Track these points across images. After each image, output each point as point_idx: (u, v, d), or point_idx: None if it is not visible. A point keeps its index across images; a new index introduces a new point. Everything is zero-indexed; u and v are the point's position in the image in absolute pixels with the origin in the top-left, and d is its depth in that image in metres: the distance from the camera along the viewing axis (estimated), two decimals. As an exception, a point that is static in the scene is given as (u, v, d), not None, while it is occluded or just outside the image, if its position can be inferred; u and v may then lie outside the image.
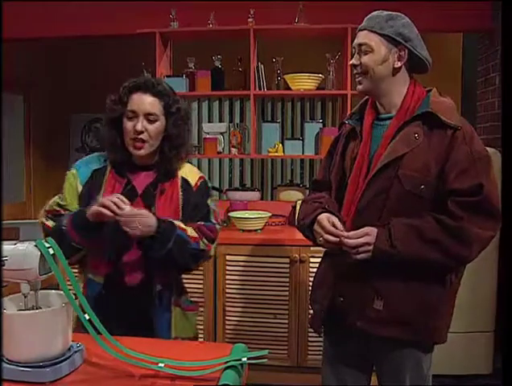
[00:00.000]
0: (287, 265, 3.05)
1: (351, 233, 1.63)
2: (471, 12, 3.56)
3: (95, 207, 1.62)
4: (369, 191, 1.66)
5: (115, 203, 1.59)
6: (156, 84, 1.77)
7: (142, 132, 1.74)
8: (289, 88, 3.52)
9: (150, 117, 1.74)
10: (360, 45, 1.70)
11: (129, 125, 1.75)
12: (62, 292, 1.20)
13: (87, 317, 1.21)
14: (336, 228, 1.65)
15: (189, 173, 1.89)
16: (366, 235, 1.62)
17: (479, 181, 1.59)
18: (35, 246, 1.17)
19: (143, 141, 1.75)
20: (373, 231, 1.63)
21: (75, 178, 1.82)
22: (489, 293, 3.28)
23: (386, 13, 1.71)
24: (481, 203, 1.59)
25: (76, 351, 1.22)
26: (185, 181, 1.85)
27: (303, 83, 3.45)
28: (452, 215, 1.59)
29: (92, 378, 1.17)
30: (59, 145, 5.45)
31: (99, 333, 1.21)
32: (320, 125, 3.51)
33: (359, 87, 1.75)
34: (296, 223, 1.93)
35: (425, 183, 1.62)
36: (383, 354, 1.77)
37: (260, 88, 3.46)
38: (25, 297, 1.20)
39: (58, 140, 5.45)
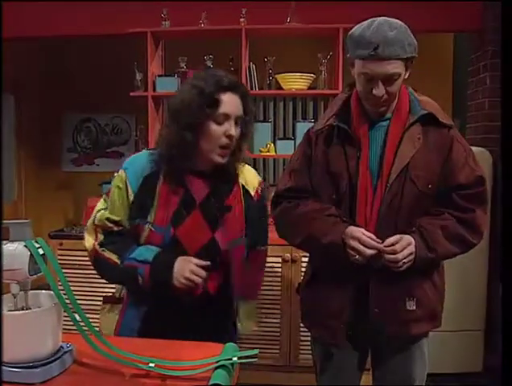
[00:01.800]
0: (279, 265, 3.06)
1: (397, 246, 1.60)
2: (462, 12, 3.58)
3: (183, 282, 1.54)
4: (388, 196, 1.66)
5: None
6: (240, 84, 1.62)
7: (233, 137, 1.57)
8: (281, 88, 3.52)
9: (238, 121, 1.58)
10: (391, 75, 1.59)
11: (219, 130, 1.55)
12: (52, 292, 1.19)
13: (77, 317, 1.21)
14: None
15: (248, 179, 1.72)
16: (409, 245, 1.62)
17: (479, 173, 1.70)
18: (25, 246, 1.16)
19: (230, 147, 1.58)
20: (412, 239, 1.63)
21: (125, 184, 1.61)
22: (479, 292, 3.30)
23: (398, 30, 1.57)
24: (484, 192, 1.71)
25: (66, 352, 1.21)
26: (245, 190, 1.70)
27: (295, 82, 3.45)
28: (461, 208, 1.68)
29: (82, 378, 1.16)
30: (50, 145, 5.42)
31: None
32: (312, 125, 3.51)
33: (382, 109, 1.68)
34: (299, 239, 1.77)
35: (431, 182, 1.68)
36: (393, 349, 1.80)
37: (252, 88, 3.46)
38: (14, 297, 1.19)
39: (49, 140, 5.42)
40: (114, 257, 1.60)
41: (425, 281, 1.73)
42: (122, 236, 1.64)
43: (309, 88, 3.52)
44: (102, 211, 1.66)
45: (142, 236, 1.61)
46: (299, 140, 3.43)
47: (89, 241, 1.66)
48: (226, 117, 1.56)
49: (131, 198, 1.60)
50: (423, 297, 1.72)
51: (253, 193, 1.72)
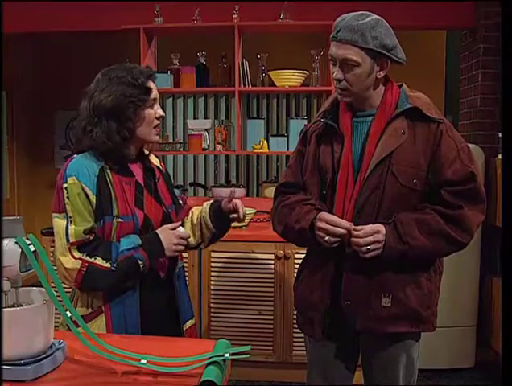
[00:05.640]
0: (272, 261, 3.06)
1: (361, 232, 1.62)
2: (454, 9, 3.59)
3: (174, 248, 1.69)
4: (366, 188, 1.66)
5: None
6: (150, 69, 1.77)
7: (162, 116, 1.76)
8: (274, 85, 3.52)
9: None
10: (344, 60, 1.63)
11: (152, 113, 1.71)
12: (43, 289, 1.19)
13: (69, 314, 1.21)
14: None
15: (155, 159, 1.91)
16: (376, 233, 1.62)
17: (469, 169, 1.67)
18: (16, 243, 1.16)
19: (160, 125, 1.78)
20: (382, 228, 1.64)
21: (82, 189, 1.61)
22: (471, 288, 3.32)
23: (366, 20, 1.61)
24: (474, 189, 1.67)
25: (57, 349, 1.21)
26: (157, 167, 1.87)
27: (288, 79, 3.45)
28: (448, 204, 1.65)
29: (73, 375, 1.16)
30: (43, 142, 5.41)
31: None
32: (305, 122, 3.51)
33: (344, 99, 1.72)
34: (280, 228, 1.85)
35: (417, 177, 1.66)
36: (378, 348, 1.79)
37: (245, 85, 3.46)
38: (5, 294, 1.19)
39: (42, 136, 5.41)
40: (104, 263, 1.60)
41: (407, 281, 1.70)
42: (98, 241, 1.64)
43: (302, 85, 3.52)
44: (73, 228, 1.60)
45: (112, 233, 1.65)
46: (292, 137, 3.50)
47: (70, 261, 1.60)
48: (155, 100, 1.72)
49: (93, 200, 1.61)
50: (401, 296, 1.69)
51: (159, 166, 1.90)
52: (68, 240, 1.60)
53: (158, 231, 1.69)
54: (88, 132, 1.65)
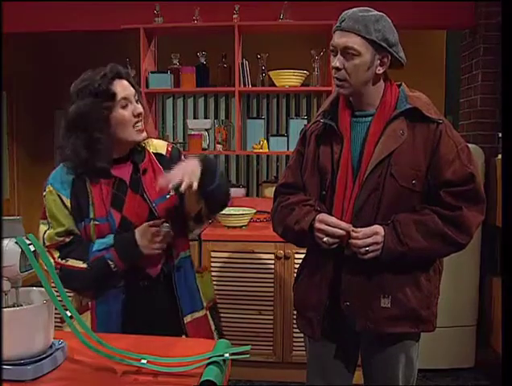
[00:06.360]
0: (272, 261, 3.06)
1: (359, 234, 1.62)
2: (454, 9, 3.59)
3: (152, 246, 1.63)
4: (365, 189, 1.66)
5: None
6: (116, 67, 1.69)
7: (141, 113, 1.67)
8: (274, 85, 3.52)
9: (135, 98, 1.68)
10: (345, 48, 1.62)
11: (127, 112, 1.64)
12: (43, 289, 1.19)
13: (69, 314, 1.21)
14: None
15: (157, 145, 1.81)
16: (374, 234, 1.62)
17: (469, 170, 1.66)
18: (16, 243, 1.16)
19: (142, 123, 1.69)
20: (381, 229, 1.63)
21: (57, 195, 1.67)
22: (471, 288, 3.32)
23: (371, 14, 1.62)
24: (473, 190, 1.66)
25: (57, 349, 1.21)
26: (158, 155, 1.78)
27: (288, 79, 3.45)
28: (447, 205, 1.64)
29: (74, 375, 1.16)
30: (43, 142, 5.41)
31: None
32: (305, 122, 3.51)
33: (341, 90, 1.70)
34: (280, 229, 1.85)
35: (416, 178, 1.65)
36: (378, 348, 1.79)
37: (245, 85, 3.47)
38: (5, 294, 1.18)
39: (42, 136, 5.40)
40: (80, 263, 1.64)
41: (406, 281, 1.69)
42: (76, 243, 1.67)
43: (302, 85, 3.52)
44: (48, 232, 1.67)
45: (91, 235, 1.66)
46: (292, 137, 3.50)
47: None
48: (126, 99, 1.64)
49: (68, 204, 1.66)
50: (400, 297, 1.68)
51: (164, 152, 1.81)
52: (44, 244, 1.66)
53: (137, 229, 1.66)
54: (63, 147, 1.68)
